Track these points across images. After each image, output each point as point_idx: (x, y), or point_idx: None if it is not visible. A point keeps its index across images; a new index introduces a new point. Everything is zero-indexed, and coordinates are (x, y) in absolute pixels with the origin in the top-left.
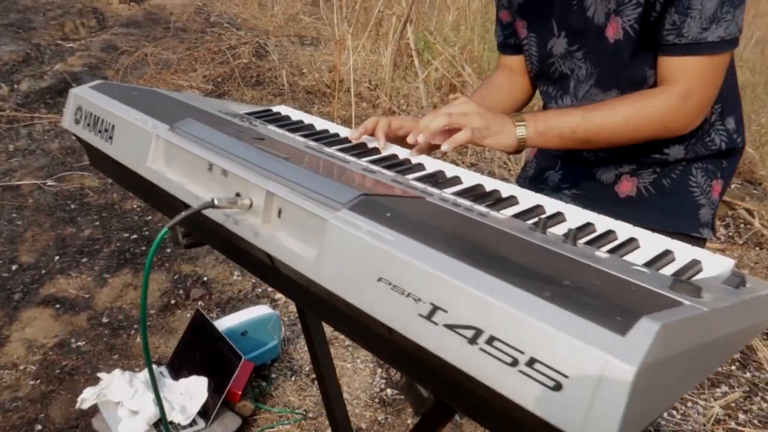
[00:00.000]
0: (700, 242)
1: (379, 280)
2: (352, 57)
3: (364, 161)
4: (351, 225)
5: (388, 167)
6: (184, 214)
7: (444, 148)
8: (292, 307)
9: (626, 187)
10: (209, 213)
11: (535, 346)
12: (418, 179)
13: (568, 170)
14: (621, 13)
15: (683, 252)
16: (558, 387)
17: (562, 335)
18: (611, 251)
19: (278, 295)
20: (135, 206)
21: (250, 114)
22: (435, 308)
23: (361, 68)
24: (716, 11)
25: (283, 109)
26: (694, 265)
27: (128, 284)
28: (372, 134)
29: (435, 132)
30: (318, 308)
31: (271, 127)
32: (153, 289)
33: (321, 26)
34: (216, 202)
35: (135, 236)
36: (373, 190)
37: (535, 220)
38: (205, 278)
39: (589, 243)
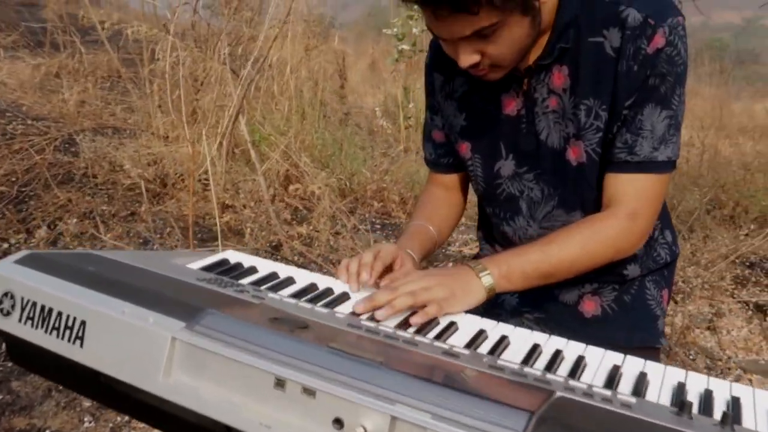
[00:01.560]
0: (657, 351)
1: None
2: (210, 154)
3: (427, 339)
4: None
5: (445, 341)
6: None
7: (414, 322)
8: None
9: (590, 306)
10: None
11: None
12: (479, 347)
13: (526, 293)
14: (583, 138)
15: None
16: None
17: None
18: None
19: None
20: None
21: (207, 269)
22: None
23: (187, 161)
24: (665, 133)
25: (237, 257)
26: None
27: None
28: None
29: (400, 312)
30: None
31: (272, 295)
32: None
33: (126, 114)
34: None
35: None
36: (528, 403)
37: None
38: (47, 431)
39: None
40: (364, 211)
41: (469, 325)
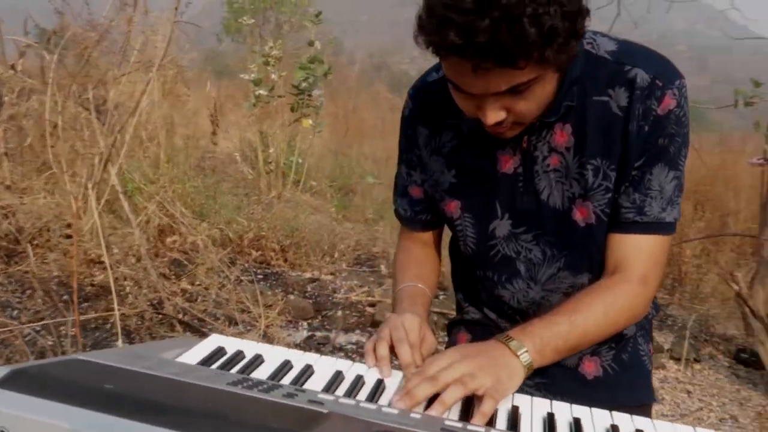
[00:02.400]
0: (650, 407)
1: None
2: (90, 206)
3: None
4: None
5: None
6: None
7: (478, 422)
8: None
9: (590, 367)
10: None
11: None
12: None
13: None
14: (591, 198)
15: None
16: None
17: None
18: None
19: None
20: None
21: (207, 363)
22: None
23: (46, 214)
24: (672, 194)
25: (230, 343)
26: None
27: None
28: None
29: (452, 405)
30: None
31: (324, 396)
32: None
33: None
34: None
35: None
36: None
37: None
38: None
39: None
40: (243, 261)
41: (523, 405)
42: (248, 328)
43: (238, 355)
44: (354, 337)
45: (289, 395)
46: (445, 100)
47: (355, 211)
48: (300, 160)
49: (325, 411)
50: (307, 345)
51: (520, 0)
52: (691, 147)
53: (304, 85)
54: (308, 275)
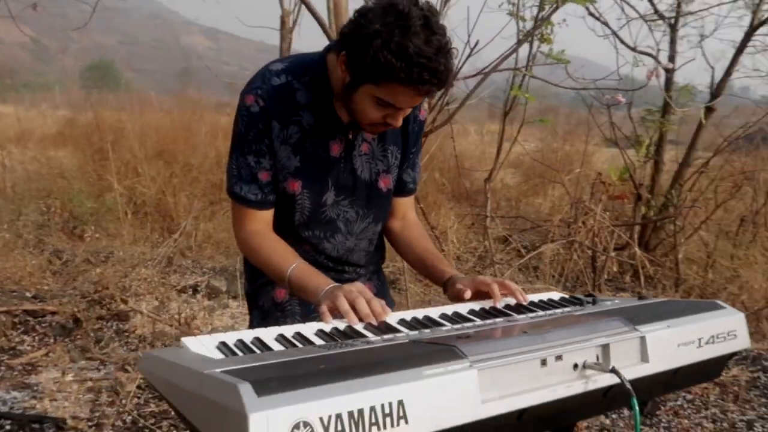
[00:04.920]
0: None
1: None
2: None
3: (490, 320)
4: None
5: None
6: None
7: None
8: None
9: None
10: None
11: None
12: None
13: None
14: (389, 172)
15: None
16: None
17: None
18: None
19: None
20: None
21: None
22: None
23: None
24: (420, 167)
25: (221, 338)
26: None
27: None
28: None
29: None
30: None
31: (387, 336)
32: None
33: None
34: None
35: None
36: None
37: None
38: None
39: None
40: None
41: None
42: None
43: (258, 341)
44: None
45: (383, 339)
46: (289, 100)
47: None
48: None
49: (406, 341)
50: None
51: (449, 54)
52: None
53: None
54: None
